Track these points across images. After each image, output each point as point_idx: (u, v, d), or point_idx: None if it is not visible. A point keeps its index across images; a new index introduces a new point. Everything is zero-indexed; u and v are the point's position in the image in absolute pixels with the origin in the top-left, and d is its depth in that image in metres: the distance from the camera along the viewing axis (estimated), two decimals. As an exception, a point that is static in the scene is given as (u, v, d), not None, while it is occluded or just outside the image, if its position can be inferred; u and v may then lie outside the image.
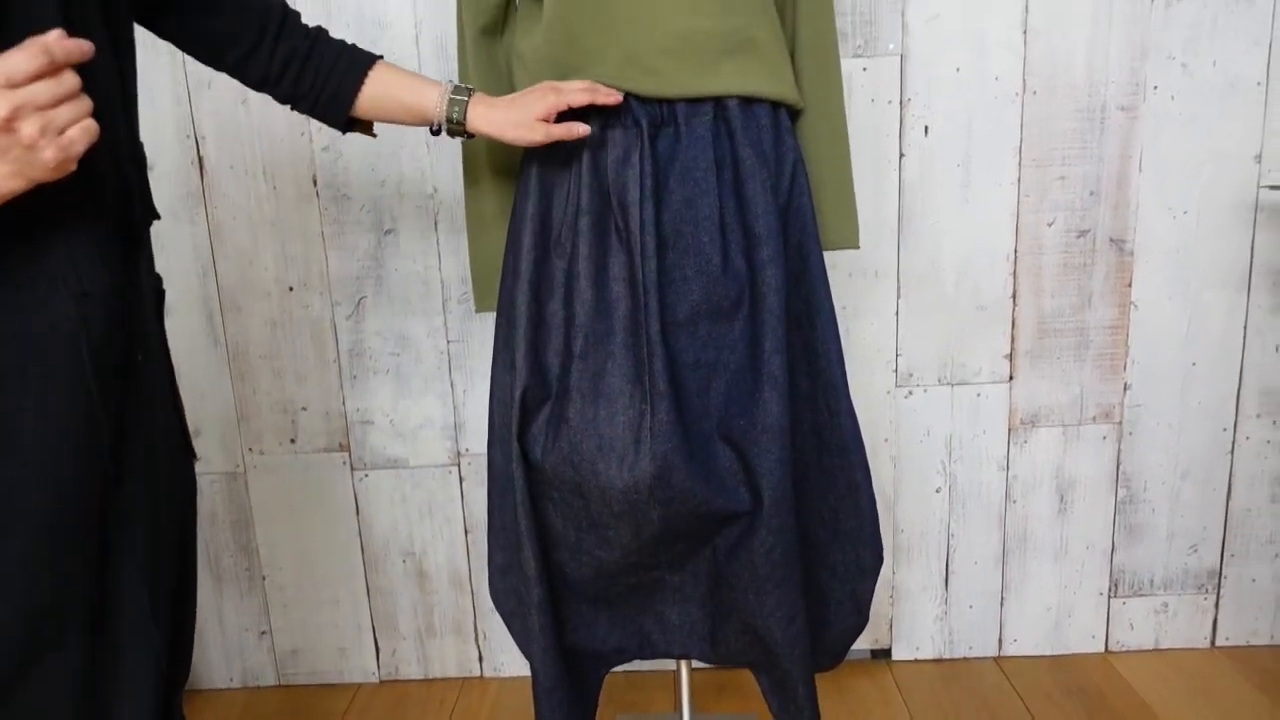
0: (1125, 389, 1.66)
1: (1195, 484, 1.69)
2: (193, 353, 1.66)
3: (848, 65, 1.54)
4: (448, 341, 1.65)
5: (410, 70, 1.11)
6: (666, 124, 1.07)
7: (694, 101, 1.07)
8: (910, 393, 1.67)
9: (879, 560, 1.25)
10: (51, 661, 0.77)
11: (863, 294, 1.63)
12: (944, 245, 1.61)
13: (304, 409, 1.69)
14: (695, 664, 1.75)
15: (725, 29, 1.06)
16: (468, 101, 1.07)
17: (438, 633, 1.78)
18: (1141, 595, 1.74)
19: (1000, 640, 1.77)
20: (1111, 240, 1.60)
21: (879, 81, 1.55)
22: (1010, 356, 1.65)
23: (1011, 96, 1.55)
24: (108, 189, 0.76)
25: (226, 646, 1.79)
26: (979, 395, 1.67)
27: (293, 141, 1.57)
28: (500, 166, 1.23)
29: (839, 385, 1.17)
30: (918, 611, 1.76)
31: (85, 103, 0.64)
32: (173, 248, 1.62)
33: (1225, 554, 1.72)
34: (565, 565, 1.19)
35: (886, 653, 1.79)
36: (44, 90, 0.61)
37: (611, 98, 1.06)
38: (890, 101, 1.55)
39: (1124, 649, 1.77)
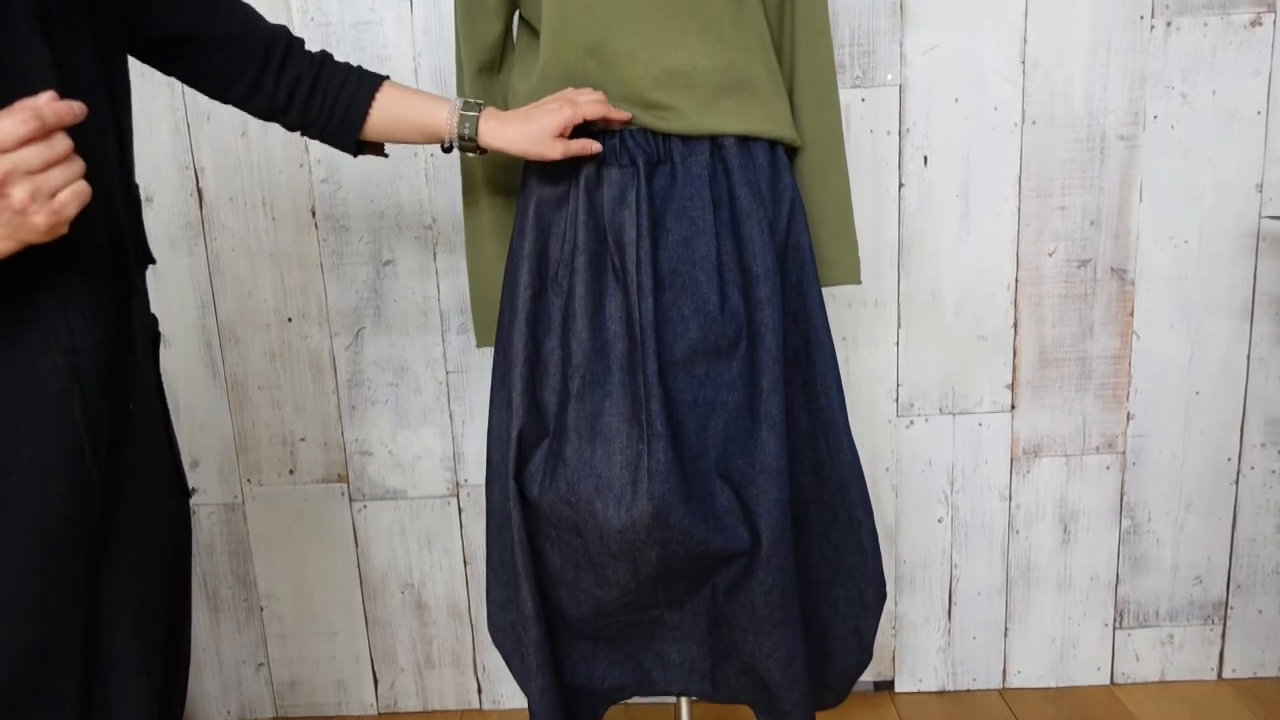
0: (1128, 419, 1.65)
1: (1200, 514, 1.68)
2: (191, 384, 1.66)
3: (846, 95, 1.54)
4: (446, 372, 1.65)
5: (420, 89, 1.11)
6: (663, 162, 1.07)
7: (690, 140, 1.07)
8: (911, 422, 1.66)
9: (882, 597, 1.24)
10: (39, 714, 0.76)
11: (863, 324, 1.62)
12: (944, 275, 1.60)
13: (302, 440, 1.68)
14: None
15: (722, 67, 1.06)
16: (478, 116, 1.05)
17: (436, 665, 1.76)
18: (1147, 627, 1.73)
19: (1004, 672, 1.75)
20: (1113, 269, 1.60)
21: (878, 112, 1.55)
22: (1012, 386, 1.64)
23: (1010, 126, 1.55)
24: (101, 243, 0.76)
25: (224, 678, 1.77)
26: (981, 425, 1.66)
27: (291, 173, 1.57)
28: (499, 205, 1.23)
29: (838, 423, 1.16)
30: (920, 643, 1.74)
31: (77, 165, 0.64)
32: (171, 279, 1.62)
33: (1231, 585, 1.70)
34: (563, 603, 1.18)
35: (889, 684, 1.77)
36: (35, 155, 0.61)
37: (622, 115, 1.06)
38: (889, 132, 1.55)
39: (1129, 681, 1.75)
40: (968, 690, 1.75)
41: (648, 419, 1.05)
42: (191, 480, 1.70)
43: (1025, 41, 1.52)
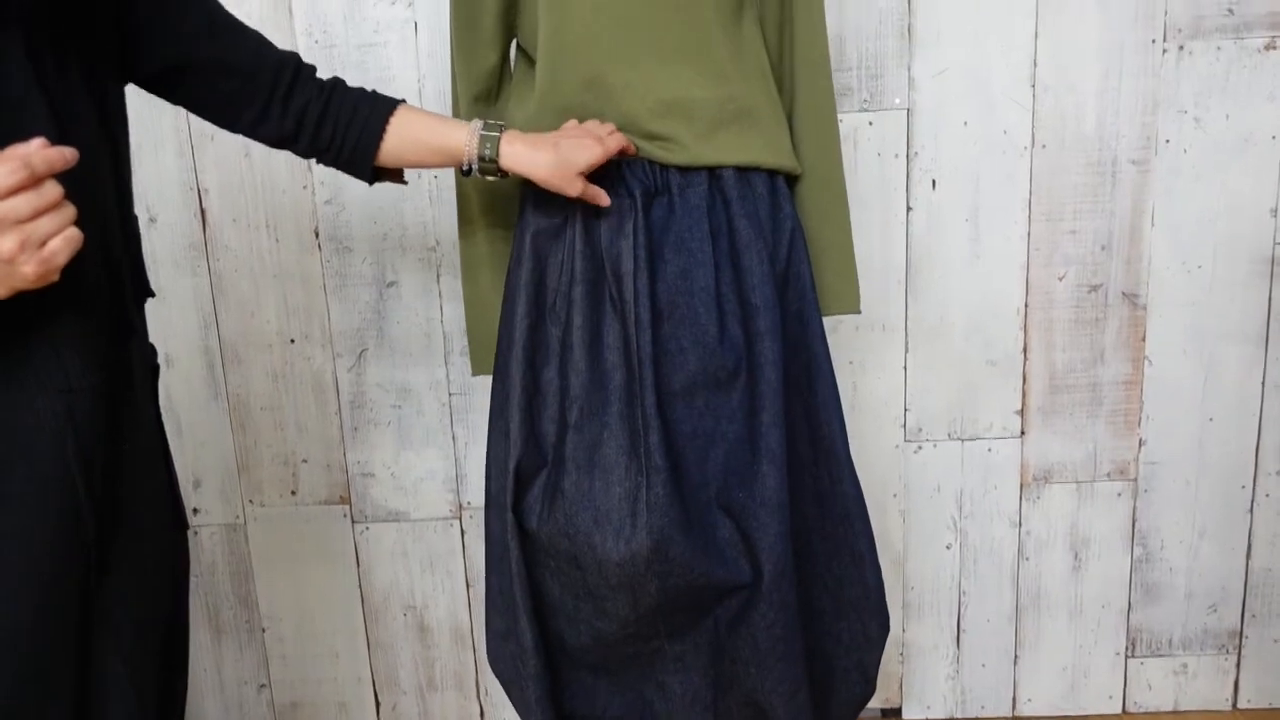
0: (1140, 445, 1.62)
1: (1214, 542, 1.65)
2: (193, 404, 1.65)
3: (854, 119, 1.52)
4: (450, 394, 1.64)
5: (435, 112, 1.09)
6: (660, 193, 1.06)
7: (688, 171, 1.06)
8: (919, 448, 1.64)
9: (885, 630, 1.22)
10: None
11: (870, 348, 1.61)
12: (953, 299, 1.58)
13: (305, 461, 1.67)
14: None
15: (721, 98, 1.04)
16: (500, 137, 1.01)
17: (439, 687, 1.75)
18: (1160, 655, 1.70)
19: (1014, 700, 1.72)
20: (1124, 295, 1.57)
21: (885, 135, 1.53)
22: (1022, 412, 1.62)
23: (1020, 150, 1.53)
24: (97, 283, 0.75)
25: (225, 699, 1.76)
26: (990, 451, 1.64)
27: (295, 194, 1.57)
28: (497, 237, 1.22)
29: (840, 453, 1.14)
30: (929, 670, 1.72)
31: (68, 212, 0.63)
32: (174, 300, 1.61)
33: (1246, 614, 1.67)
34: (564, 633, 1.17)
35: (897, 712, 1.74)
36: (24, 204, 0.60)
37: (632, 149, 1.05)
38: (897, 155, 1.54)
39: (1142, 710, 1.72)
40: (977, 718, 1.73)
41: (646, 451, 1.04)
42: (193, 501, 1.69)
43: (1035, 65, 1.50)
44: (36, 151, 0.60)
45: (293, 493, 1.68)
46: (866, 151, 1.54)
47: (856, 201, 1.55)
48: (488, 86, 1.18)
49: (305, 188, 1.57)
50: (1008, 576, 1.68)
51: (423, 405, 1.64)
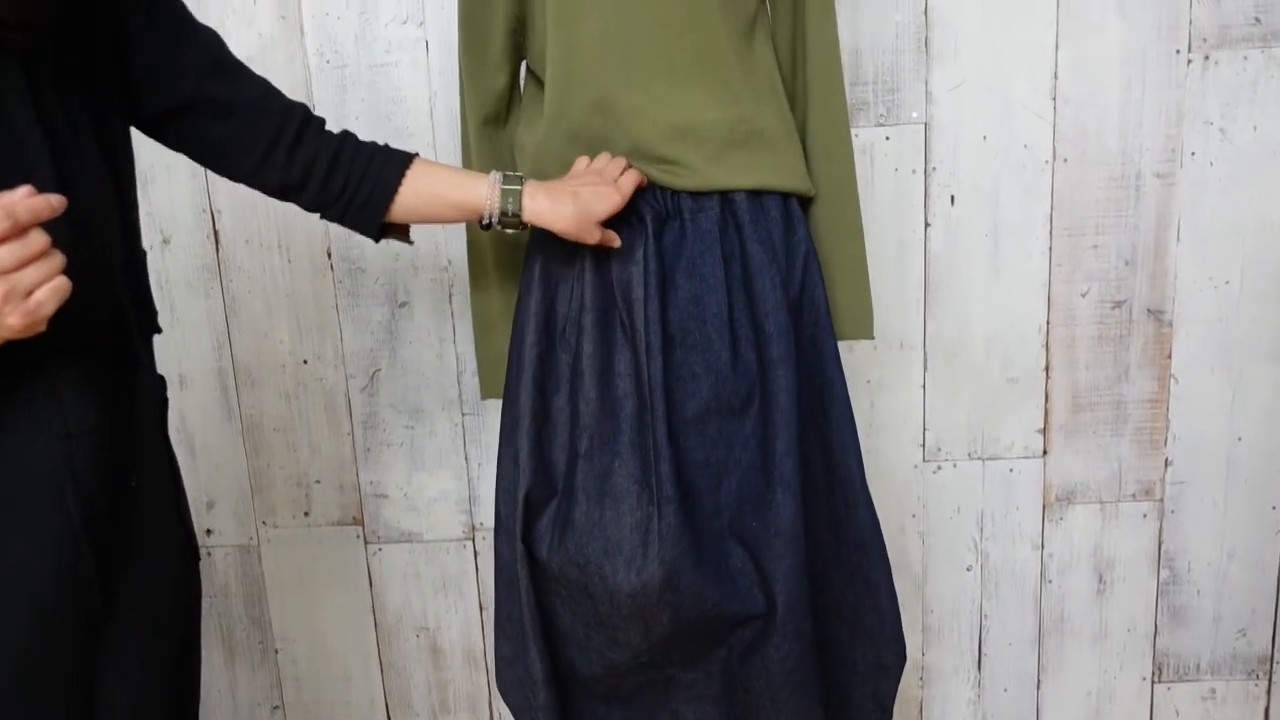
0: (1166, 465, 1.59)
1: (1243, 565, 1.61)
2: (207, 425, 1.65)
3: (870, 134, 1.50)
4: (462, 414, 1.63)
5: (447, 164, 1.06)
6: (672, 218, 1.04)
7: (699, 195, 1.04)
8: (939, 468, 1.61)
9: (901, 659, 1.20)
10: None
11: (888, 366, 1.58)
12: (973, 316, 1.55)
13: (317, 482, 1.66)
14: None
15: (732, 119, 1.02)
16: (522, 191, 0.98)
17: (452, 710, 1.74)
18: (1187, 681, 1.65)
19: (1037, 725, 1.69)
20: (1149, 311, 1.54)
21: (902, 150, 1.50)
22: (1044, 431, 1.59)
23: (1041, 164, 1.50)
24: (97, 322, 0.74)
25: (239, 721, 1.76)
26: (1011, 471, 1.60)
27: (307, 215, 1.55)
28: (505, 259, 1.21)
29: (856, 480, 1.12)
30: (949, 694, 1.68)
31: (55, 261, 0.62)
32: (188, 321, 1.61)
33: (1277, 639, 1.63)
34: (575, 662, 1.15)
35: (917, 737, 1.71)
36: (7, 254, 0.59)
37: (645, 181, 1.04)
38: (914, 171, 1.51)
39: (1170, 736, 1.68)
40: (999, 744, 1.69)
41: (658, 481, 1.02)
42: (207, 522, 1.69)
43: (1056, 77, 1.47)
44: (21, 200, 0.59)
45: (305, 514, 1.68)
46: (883, 167, 1.51)
47: (873, 218, 1.52)
48: (496, 109, 1.16)
49: (317, 208, 1.56)
50: (1030, 599, 1.64)
51: (435, 426, 1.63)
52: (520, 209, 0.98)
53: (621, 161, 1.03)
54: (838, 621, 1.18)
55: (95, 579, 0.75)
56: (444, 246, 1.57)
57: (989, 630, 1.66)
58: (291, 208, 1.55)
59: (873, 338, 1.21)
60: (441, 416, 1.63)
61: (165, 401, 0.92)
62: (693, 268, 1.02)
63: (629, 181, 1.02)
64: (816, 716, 1.12)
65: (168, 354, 1.62)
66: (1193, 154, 1.49)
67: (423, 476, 1.66)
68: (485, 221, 1.00)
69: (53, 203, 0.60)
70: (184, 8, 0.89)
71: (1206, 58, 1.46)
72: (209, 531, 1.69)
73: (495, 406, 1.61)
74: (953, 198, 1.52)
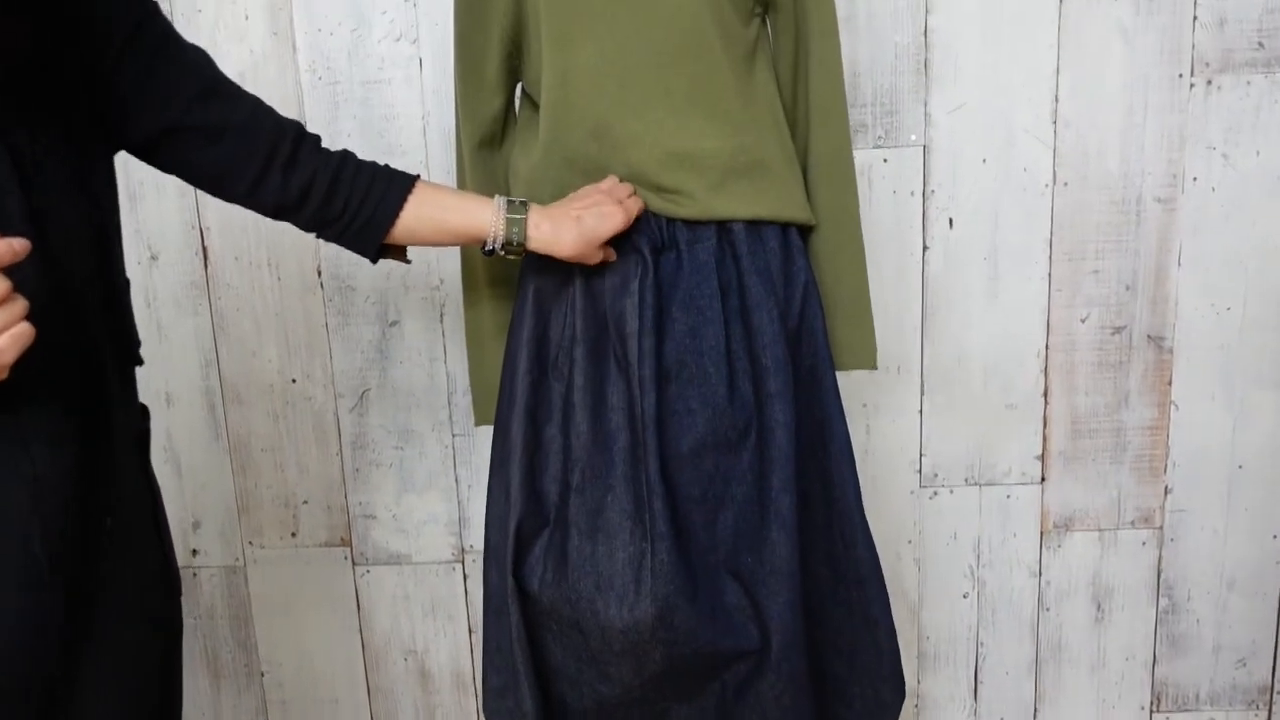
0: (1166, 492, 1.57)
1: (1243, 594, 1.59)
2: (193, 445, 1.62)
3: (868, 156, 1.48)
4: (453, 435, 1.60)
5: (450, 186, 1.03)
6: (668, 248, 1.01)
7: (696, 225, 1.01)
8: (935, 493, 1.59)
9: (900, 695, 1.17)
10: None
11: (885, 391, 1.56)
12: (971, 340, 1.53)
13: (305, 502, 1.64)
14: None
15: (732, 148, 1.00)
16: (526, 219, 0.96)
17: (440, 734, 1.71)
18: (1186, 711, 1.63)
19: (1034, 754, 1.66)
20: (1150, 337, 1.52)
21: (901, 173, 1.49)
22: (1042, 457, 1.57)
23: (1041, 188, 1.48)
24: (68, 364, 0.71)
25: (223, 744, 1.73)
26: (1009, 497, 1.58)
27: (297, 233, 1.54)
28: (498, 280, 1.18)
29: (855, 516, 1.10)
30: (945, 722, 1.66)
31: (15, 308, 0.59)
32: (175, 339, 1.59)
33: (1277, 669, 1.61)
34: (566, 696, 1.13)
35: (912, 765, 1.69)
36: None
37: (642, 210, 1.03)
38: (913, 193, 1.49)
39: (1168, 766, 1.65)
40: (995, 773, 1.67)
41: (650, 518, 1.00)
42: (193, 542, 1.66)
43: (1056, 100, 1.45)
44: None
45: (293, 534, 1.65)
46: (881, 189, 1.49)
47: (871, 240, 1.50)
48: (492, 131, 1.14)
49: (307, 226, 1.54)
50: (1027, 627, 1.62)
51: (425, 447, 1.61)
52: (525, 238, 0.97)
53: (629, 186, 1.01)
54: (835, 657, 1.16)
55: (64, 625, 0.73)
56: (435, 266, 1.54)
57: (985, 658, 1.64)
58: (282, 225, 1.53)
59: (875, 368, 1.19)
60: (432, 437, 1.60)
61: (146, 433, 0.89)
62: (689, 299, 1.00)
63: (635, 204, 1.00)
64: (811, 754, 1.10)
65: (154, 372, 1.59)
66: (1195, 179, 1.47)
67: (412, 498, 1.63)
68: (489, 249, 0.98)
69: (15, 247, 0.58)
70: (169, 29, 0.86)
71: (1209, 82, 1.44)
72: (195, 552, 1.67)
73: (486, 429, 1.58)
74: (951, 220, 1.50)
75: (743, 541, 1.06)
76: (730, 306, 1.01)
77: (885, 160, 1.48)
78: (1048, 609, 1.62)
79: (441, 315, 1.56)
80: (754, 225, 1.03)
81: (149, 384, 1.60)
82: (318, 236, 0.98)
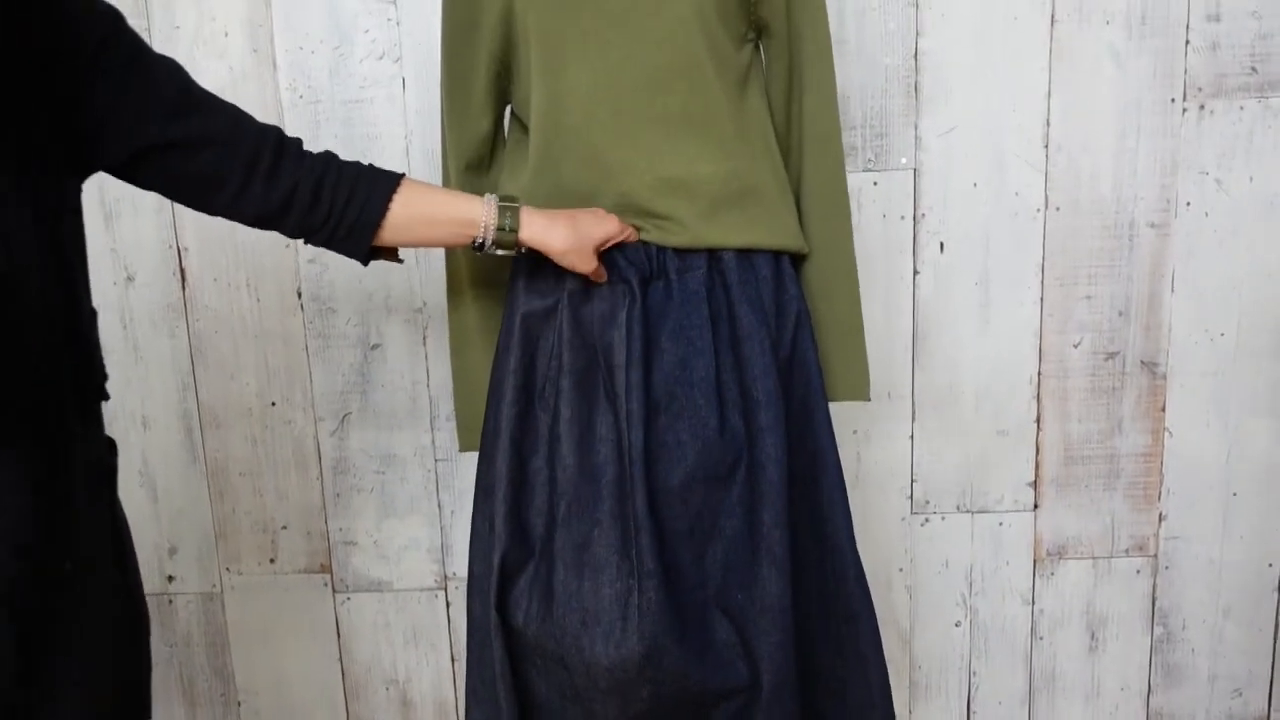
0: (1160, 520, 1.54)
1: (1239, 623, 1.57)
2: (170, 469, 1.59)
3: (858, 179, 1.46)
4: (435, 460, 1.57)
5: (438, 185, 1.01)
6: (656, 277, 0.99)
7: (687, 254, 0.99)
8: (927, 520, 1.56)
9: (891, 731, 1.14)
10: None
11: (876, 417, 1.53)
12: (962, 366, 1.51)
13: (284, 528, 1.60)
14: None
15: (724, 175, 0.98)
16: (519, 209, 0.95)
17: (422, 766, 1.67)
18: (1181, 741, 1.61)
19: (1027, 785, 1.64)
20: (1143, 363, 1.50)
21: (891, 196, 1.47)
22: (1035, 484, 1.54)
23: (1033, 213, 1.46)
24: (22, 405, 0.68)
25: (198, 776, 1.69)
26: (1001, 524, 1.56)
27: (277, 253, 1.51)
28: (482, 281, 1.15)
29: (846, 551, 1.07)
30: (937, 753, 1.63)
31: None
32: (152, 361, 1.55)
33: (1274, 699, 1.59)
34: (550, 734, 1.10)
35: (903, 797, 1.66)
36: None
37: (636, 236, 1.01)
38: (903, 217, 1.47)
39: (1163, 798, 1.63)
40: (987, 805, 1.64)
41: (638, 554, 0.97)
42: (169, 568, 1.62)
43: (1048, 124, 1.44)
44: None
45: (271, 561, 1.61)
46: (871, 213, 1.47)
47: (861, 264, 1.46)
48: (480, 154, 1.11)
49: (288, 246, 1.51)
50: (1020, 656, 1.60)
51: (407, 472, 1.57)
52: (518, 225, 0.94)
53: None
54: (825, 694, 1.13)
55: (20, 673, 0.69)
56: (418, 288, 1.52)
57: (978, 688, 1.61)
58: (262, 245, 1.50)
59: (869, 399, 1.16)
60: (414, 462, 1.57)
61: (113, 469, 0.86)
62: (679, 330, 0.98)
63: (627, 227, 0.99)
64: (802, 793, 1.07)
65: (130, 395, 1.56)
66: (1188, 204, 1.45)
67: (393, 523, 1.60)
68: (480, 240, 0.95)
69: None
70: (138, 41, 0.82)
71: (1202, 107, 1.43)
72: (171, 578, 1.63)
73: (470, 454, 1.55)
74: (942, 245, 1.48)
75: (733, 577, 1.03)
76: (721, 337, 0.99)
77: (875, 183, 1.47)
78: (1041, 638, 1.59)
79: (424, 338, 1.53)
80: (745, 254, 1.00)
81: (124, 406, 1.56)
82: (306, 242, 0.95)
